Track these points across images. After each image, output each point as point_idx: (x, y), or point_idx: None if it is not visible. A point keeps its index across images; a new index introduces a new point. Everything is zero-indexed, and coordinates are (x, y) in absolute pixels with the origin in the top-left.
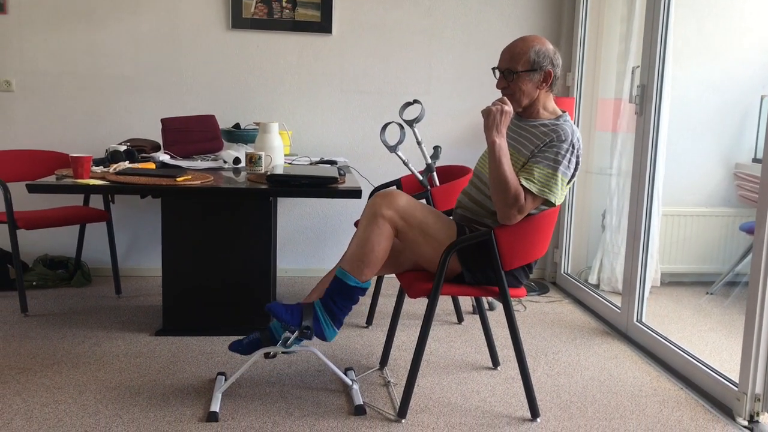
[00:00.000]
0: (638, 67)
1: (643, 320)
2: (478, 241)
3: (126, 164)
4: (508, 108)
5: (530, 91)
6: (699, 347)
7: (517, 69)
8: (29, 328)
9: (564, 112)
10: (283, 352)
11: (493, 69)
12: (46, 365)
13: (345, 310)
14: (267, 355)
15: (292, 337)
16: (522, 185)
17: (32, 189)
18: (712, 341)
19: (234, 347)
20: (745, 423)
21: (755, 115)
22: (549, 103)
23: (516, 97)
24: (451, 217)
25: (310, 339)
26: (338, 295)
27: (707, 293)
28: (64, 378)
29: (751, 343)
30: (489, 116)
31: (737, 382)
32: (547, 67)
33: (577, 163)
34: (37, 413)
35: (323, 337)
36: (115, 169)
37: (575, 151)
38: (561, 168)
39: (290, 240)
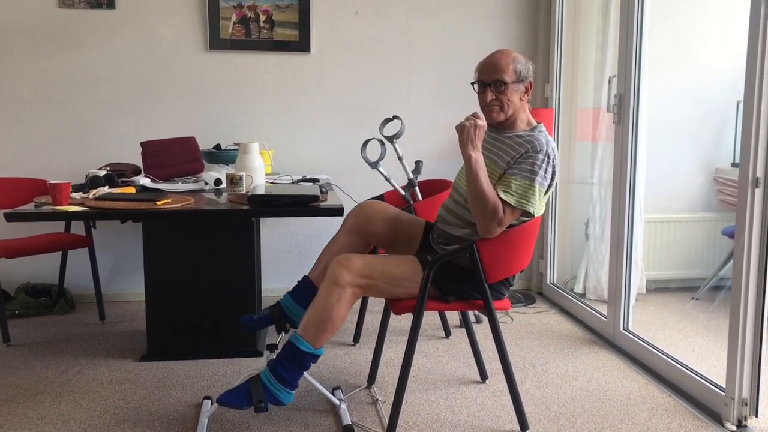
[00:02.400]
0: (615, 76)
1: (630, 328)
2: (456, 256)
3: (105, 189)
4: (482, 122)
5: (516, 102)
6: (686, 353)
7: (506, 80)
8: (12, 358)
9: (539, 123)
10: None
11: (473, 83)
12: (29, 396)
13: (296, 375)
14: (258, 410)
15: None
16: (500, 198)
17: (10, 218)
18: (699, 347)
19: (245, 320)
20: (734, 428)
21: (732, 121)
22: (524, 114)
23: (504, 109)
24: (432, 231)
25: (266, 411)
26: (289, 361)
27: (693, 299)
28: (48, 408)
29: (736, 347)
30: (463, 131)
31: (724, 387)
32: (530, 78)
33: (554, 173)
34: None
35: (279, 404)
36: (94, 194)
37: (551, 161)
38: (537, 179)
39: (275, 259)
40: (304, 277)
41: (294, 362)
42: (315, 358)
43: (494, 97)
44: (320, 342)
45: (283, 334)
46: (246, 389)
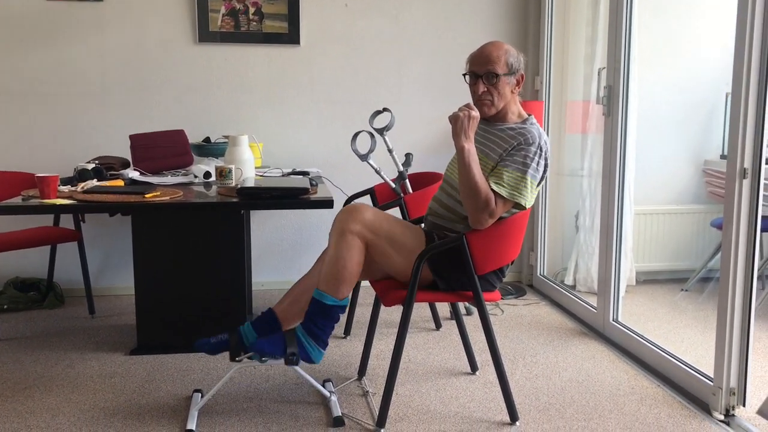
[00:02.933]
0: (604, 68)
1: (620, 319)
2: (448, 247)
3: (94, 182)
4: (475, 113)
5: (507, 94)
6: (675, 344)
7: (497, 72)
8: (1, 352)
9: (530, 115)
10: (261, 362)
11: (465, 75)
12: (17, 390)
13: (327, 330)
14: (233, 358)
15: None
16: (492, 189)
17: None
18: (688, 337)
19: (200, 345)
20: (722, 417)
21: (721, 113)
22: (516, 107)
23: (495, 101)
24: (422, 225)
25: (296, 364)
26: (318, 316)
27: (682, 290)
28: (37, 402)
29: (723, 337)
30: (457, 122)
31: (712, 377)
32: (521, 71)
33: (546, 166)
34: None
35: (310, 361)
36: (82, 187)
37: (543, 153)
38: (530, 171)
39: (265, 253)
40: (269, 309)
41: (324, 317)
42: (342, 308)
43: (486, 89)
44: (343, 293)
45: (237, 360)
46: (280, 339)
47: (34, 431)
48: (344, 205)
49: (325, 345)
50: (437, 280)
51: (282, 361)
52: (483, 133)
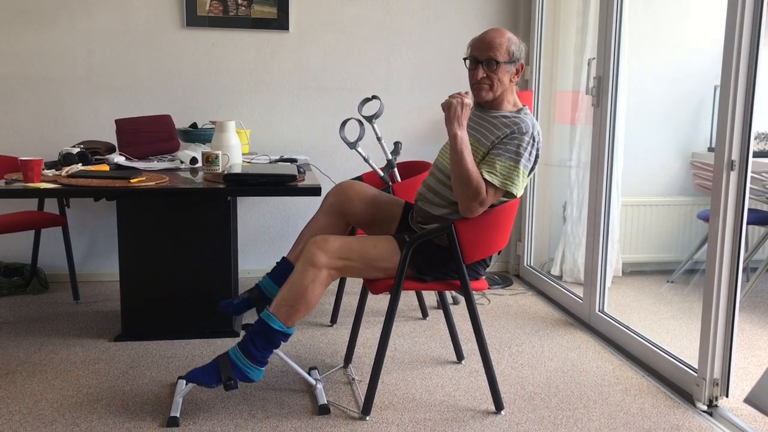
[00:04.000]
0: (594, 58)
1: (605, 310)
2: (434, 236)
3: (79, 167)
4: (468, 100)
5: (506, 82)
6: (660, 335)
7: (498, 59)
8: None
9: (524, 105)
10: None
11: (465, 59)
12: (0, 375)
13: (266, 353)
14: (228, 387)
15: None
16: (484, 178)
17: None
18: (673, 329)
19: (224, 306)
20: (705, 407)
21: (709, 105)
22: (512, 96)
23: (494, 88)
24: (411, 211)
25: (236, 388)
26: (260, 338)
27: (668, 281)
28: (19, 388)
29: (708, 329)
30: (450, 109)
31: (696, 367)
32: (522, 60)
33: (537, 156)
34: None
35: (249, 380)
36: (67, 172)
37: (535, 143)
38: (522, 161)
39: (252, 240)
40: (283, 258)
41: (265, 340)
42: (286, 336)
43: (485, 75)
44: (292, 321)
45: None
46: (215, 367)
47: (16, 417)
48: (331, 190)
49: (263, 365)
50: (421, 277)
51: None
52: (477, 119)
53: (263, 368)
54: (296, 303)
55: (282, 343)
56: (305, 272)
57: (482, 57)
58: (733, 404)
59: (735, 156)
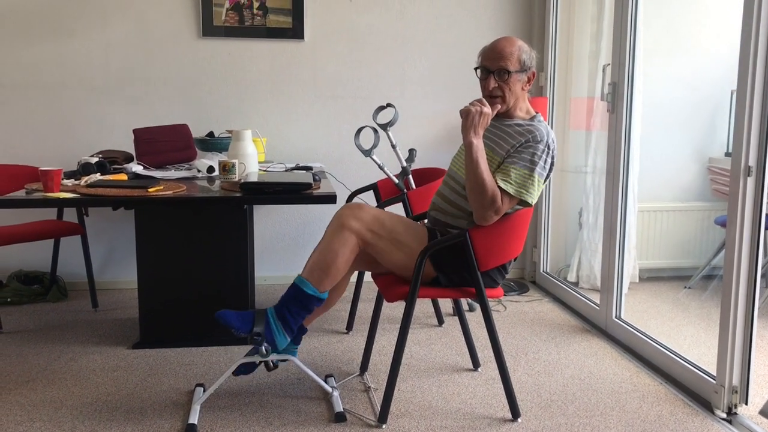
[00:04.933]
0: (609, 65)
1: (622, 316)
2: (451, 243)
3: (97, 176)
4: (487, 110)
5: (518, 91)
6: (677, 341)
7: (509, 69)
8: (4, 345)
9: (537, 113)
10: (273, 365)
11: (476, 69)
12: (20, 383)
13: (298, 318)
14: (268, 368)
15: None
16: (499, 186)
17: (1, 204)
18: (691, 335)
19: (238, 372)
20: (724, 415)
21: (726, 110)
22: (524, 104)
23: (506, 98)
24: (426, 220)
25: (260, 345)
26: (293, 303)
27: (685, 287)
28: (39, 395)
29: (726, 335)
30: (468, 117)
31: (715, 375)
32: (533, 68)
33: (552, 164)
34: None
35: (274, 345)
36: (86, 181)
37: (550, 151)
38: (537, 169)
39: (268, 247)
40: (251, 310)
41: (298, 304)
42: (319, 301)
43: (497, 85)
44: (324, 286)
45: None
46: (250, 317)
47: (36, 424)
48: (347, 201)
49: (292, 333)
50: (440, 275)
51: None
52: (491, 128)
53: (289, 338)
54: (327, 268)
55: (315, 307)
56: (334, 235)
57: (493, 67)
58: (752, 412)
59: (752, 162)
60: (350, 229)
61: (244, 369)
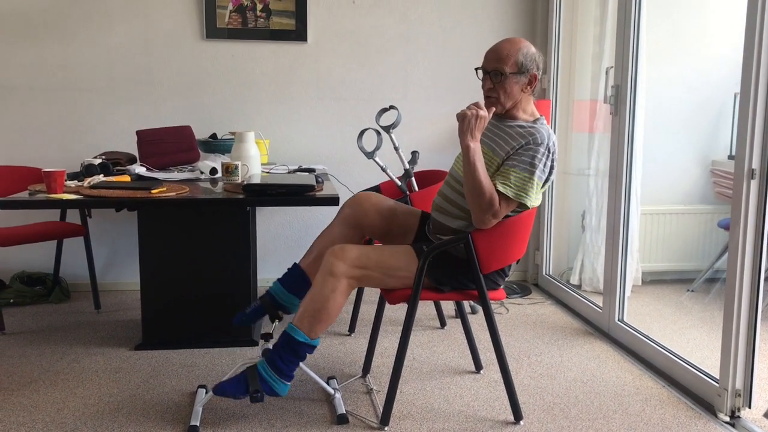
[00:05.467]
0: (612, 67)
1: (625, 319)
2: (451, 246)
3: (100, 177)
4: (483, 113)
5: (515, 93)
6: (680, 344)
7: (505, 71)
8: (6, 346)
9: (541, 116)
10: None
11: (477, 69)
12: (23, 384)
13: (292, 366)
14: (273, 320)
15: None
16: (498, 190)
17: (4, 205)
18: (694, 338)
19: (238, 319)
20: (727, 419)
21: (729, 113)
22: (528, 106)
23: (501, 100)
24: (428, 222)
25: (261, 401)
26: (286, 351)
27: (688, 290)
28: (42, 396)
29: (730, 338)
30: (464, 121)
31: (718, 378)
32: (533, 70)
33: (552, 167)
34: None
35: (275, 395)
36: (89, 182)
37: (551, 155)
38: (537, 172)
39: (271, 249)
40: (294, 264)
41: (290, 352)
42: (311, 348)
43: (492, 86)
44: (316, 332)
45: (276, 322)
46: (243, 379)
47: (39, 425)
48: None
49: (289, 378)
50: (438, 286)
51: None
52: (493, 129)
53: (289, 383)
54: (318, 314)
55: (307, 354)
56: (325, 283)
57: (489, 68)
58: (755, 415)
59: (755, 164)
60: (337, 274)
61: (245, 318)
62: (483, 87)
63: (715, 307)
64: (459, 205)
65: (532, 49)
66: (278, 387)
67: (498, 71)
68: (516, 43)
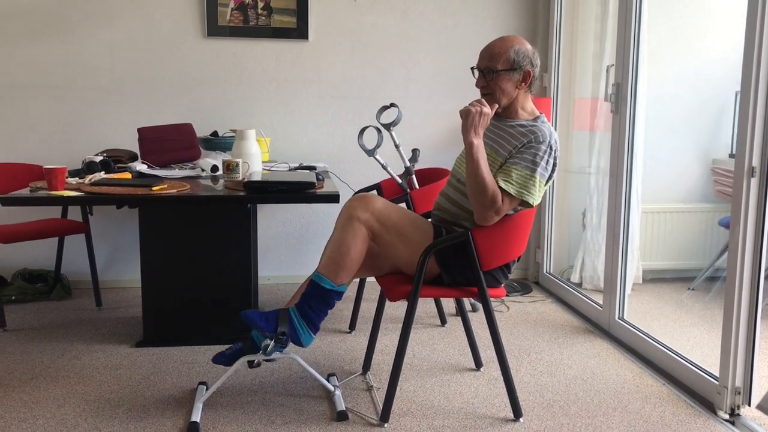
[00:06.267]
0: (613, 65)
1: (625, 317)
2: (455, 242)
3: (101, 175)
4: (487, 110)
5: (509, 90)
6: (681, 343)
7: (496, 68)
8: (8, 343)
9: (541, 113)
10: (264, 360)
11: (472, 68)
12: (24, 380)
13: (321, 314)
14: (251, 364)
15: (271, 344)
16: (500, 187)
17: (5, 202)
18: (694, 336)
19: (217, 359)
20: (726, 416)
21: (731, 111)
22: (527, 104)
23: (496, 97)
24: (430, 220)
25: (285, 345)
26: (314, 299)
27: (689, 289)
28: (43, 392)
29: (730, 337)
30: (467, 117)
31: (718, 376)
32: (526, 66)
33: (554, 165)
34: (14, 429)
35: (299, 343)
36: (90, 179)
37: (553, 152)
38: (539, 170)
39: (272, 247)
40: (276, 311)
41: (319, 300)
42: (339, 295)
43: (485, 84)
44: (342, 279)
45: (255, 366)
46: (273, 317)
47: (40, 421)
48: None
49: (316, 330)
50: (443, 273)
51: (283, 359)
52: (493, 129)
53: (314, 335)
54: (341, 259)
55: (336, 302)
56: (345, 228)
57: (481, 65)
58: (755, 413)
59: (756, 162)
60: (359, 220)
61: (224, 359)
62: (477, 85)
63: (716, 306)
64: (462, 206)
65: (526, 46)
66: (304, 336)
67: (490, 69)
68: (508, 40)
